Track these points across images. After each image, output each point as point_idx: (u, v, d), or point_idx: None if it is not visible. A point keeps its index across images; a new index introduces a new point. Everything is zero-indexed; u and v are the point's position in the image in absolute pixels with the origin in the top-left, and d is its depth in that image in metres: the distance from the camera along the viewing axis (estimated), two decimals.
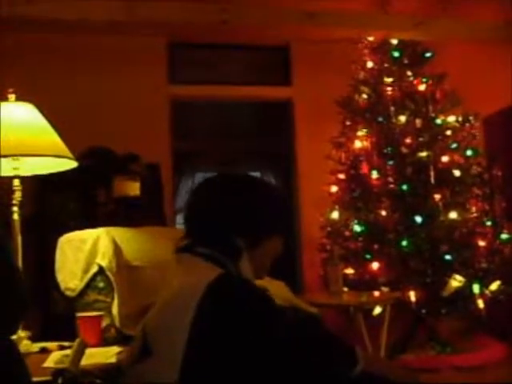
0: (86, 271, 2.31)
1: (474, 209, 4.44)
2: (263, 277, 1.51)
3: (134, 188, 4.22)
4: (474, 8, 4.74)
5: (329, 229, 4.56)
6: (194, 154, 5.52)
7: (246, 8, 4.27)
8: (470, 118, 4.57)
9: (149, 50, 5.02)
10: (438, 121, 4.58)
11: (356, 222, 4.43)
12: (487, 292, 4.28)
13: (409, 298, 4.14)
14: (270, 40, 5.34)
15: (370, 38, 4.84)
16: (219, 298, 1.22)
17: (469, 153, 4.53)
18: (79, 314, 2.14)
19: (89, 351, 1.63)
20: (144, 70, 4.95)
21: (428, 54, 4.83)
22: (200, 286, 1.22)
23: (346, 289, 4.16)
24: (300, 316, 3.07)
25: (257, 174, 5.49)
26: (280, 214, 1.49)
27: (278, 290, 3.64)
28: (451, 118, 4.60)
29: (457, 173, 4.44)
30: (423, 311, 4.25)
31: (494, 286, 4.28)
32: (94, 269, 2.30)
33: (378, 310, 4.03)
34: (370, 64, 4.85)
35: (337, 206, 4.59)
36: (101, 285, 2.30)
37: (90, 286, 2.31)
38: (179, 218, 5.07)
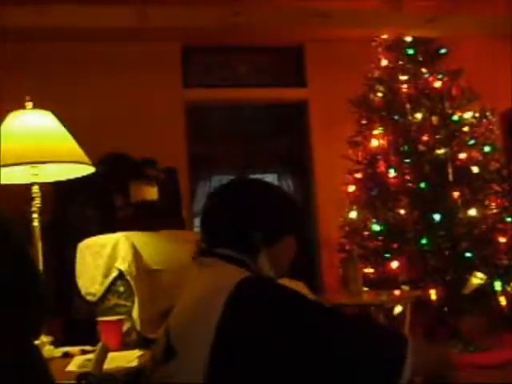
0: (106, 276, 2.32)
1: (493, 205, 4.41)
2: (282, 276, 1.51)
3: (151, 192, 4.24)
4: (486, 3, 4.70)
5: (347, 228, 4.54)
6: (210, 158, 5.52)
7: (258, 10, 4.28)
8: (487, 113, 4.54)
9: (163, 56, 5.04)
10: (455, 117, 4.56)
11: (374, 221, 4.42)
12: (509, 289, 4.24)
13: (429, 296, 4.12)
14: (283, 41, 5.33)
15: (384, 36, 4.82)
16: (250, 298, 1.21)
17: (487, 149, 4.50)
18: (100, 319, 2.15)
19: (111, 355, 1.64)
20: (159, 75, 4.97)
21: (442, 51, 4.80)
22: (227, 287, 1.21)
23: (365, 288, 4.15)
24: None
25: (274, 176, 5.47)
26: (295, 213, 1.51)
27: (296, 289, 3.64)
28: (468, 115, 4.58)
29: (475, 169, 4.42)
30: (445, 309, 4.22)
31: None
32: (114, 273, 2.31)
33: (398, 308, 4.01)
34: (384, 62, 4.83)
35: (355, 206, 4.57)
36: (121, 289, 2.31)
37: (110, 290, 2.32)
38: (197, 222, 5.08)
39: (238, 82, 5.41)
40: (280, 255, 1.44)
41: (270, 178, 5.40)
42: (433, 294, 4.12)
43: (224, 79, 5.41)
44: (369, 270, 4.32)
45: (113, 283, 2.32)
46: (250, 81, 5.45)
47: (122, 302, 2.30)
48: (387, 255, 4.30)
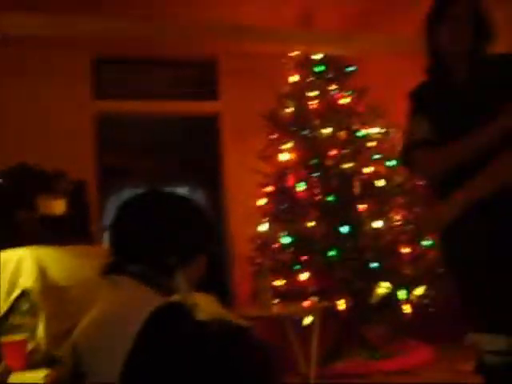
0: (9, 293, 2.25)
1: (397, 217, 4.58)
2: (191, 292, 1.51)
3: (59, 206, 4.11)
4: (395, 22, 4.90)
5: (258, 241, 4.58)
6: (121, 171, 5.44)
7: (171, 22, 4.28)
8: (392, 129, 4.72)
9: (73, 66, 4.94)
10: (361, 133, 4.71)
11: (284, 233, 4.48)
12: (413, 298, 4.41)
13: (337, 306, 4.21)
14: (196, 54, 5.35)
15: (295, 53, 4.93)
16: (165, 332, 1.20)
17: (391, 163, 4.67)
18: (3, 340, 2.07)
19: (15, 376, 1.59)
20: (69, 85, 4.86)
21: (351, 68, 4.96)
22: (140, 313, 1.20)
23: (276, 300, 4.21)
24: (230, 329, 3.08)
25: (185, 189, 5.46)
26: (210, 231, 1.50)
27: (207, 304, 3.63)
28: (373, 130, 4.75)
29: (380, 183, 4.58)
30: (352, 318, 4.33)
31: (419, 291, 4.42)
32: (18, 291, 2.24)
33: (308, 319, 4.09)
34: (294, 78, 4.94)
35: (265, 219, 4.63)
36: (25, 307, 2.24)
37: (13, 308, 2.24)
38: (106, 236, 4.97)
39: (151, 95, 5.37)
40: (193, 274, 1.44)
41: (182, 191, 5.38)
42: (341, 304, 4.22)
43: (137, 91, 5.35)
44: (279, 283, 4.37)
45: (16, 300, 2.24)
46: (163, 93, 5.42)
47: (27, 321, 2.23)
48: (297, 267, 4.37)
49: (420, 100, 2.08)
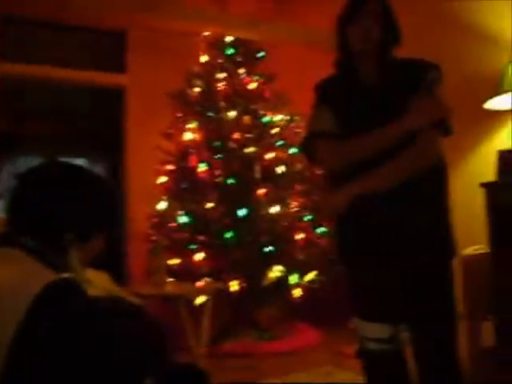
0: None
1: (294, 204, 4.69)
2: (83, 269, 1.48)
3: None
4: (308, 13, 4.97)
5: (155, 219, 4.56)
6: (20, 137, 5.21)
7: None
8: (296, 117, 4.82)
9: None
10: (266, 119, 4.78)
11: (182, 213, 4.49)
12: (303, 282, 4.55)
13: (230, 287, 4.28)
14: (107, 24, 5.17)
15: (207, 33, 4.90)
16: (56, 308, 1.16)
17: (292, 150, 4.77)
18: None
19: None
20: None
21: (260, 54, 5.01)
22: (31, 287, 1.15)
23: (170, 279, 4.23)
24: (120, 307, 3.06)
25: (85, 161, 5.32)
26: (114, 213, 1.46)
27: (100, 280, 3.59)
28: (278, 117, 4.82)
29: (281, 169, 4.67)
30: (244, 300, 4.42)
31: (310, 276, 4.57)
32: None
33: (201, 299, 4.13)
34: (204, 58, 4.92)
35: (164, 197, 4.61)
36: None
37: None
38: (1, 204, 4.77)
39: (57, 61, 5.14)
40: (90, 252, 1.41)
41: (81, 162, 5.25)
42: (234, 286, 4.29)
43: (43, 56, 5.11)
44: (174, 262, 4.38)
45: None
46: (70, 60, 5.22)
47: None
48: (192, 247, 4.39)
49: (325, 92, 2.12)
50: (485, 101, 3.57)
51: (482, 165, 3.70)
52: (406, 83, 1.96)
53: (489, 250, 3.25)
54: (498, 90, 3.46)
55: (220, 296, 4.21)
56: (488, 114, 3.68)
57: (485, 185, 3.33)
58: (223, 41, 4.92)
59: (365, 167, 1.92)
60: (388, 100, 1.97)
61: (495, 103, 3.57)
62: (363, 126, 1.94)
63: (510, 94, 3.43)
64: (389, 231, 1.93)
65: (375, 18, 1.97)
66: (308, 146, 2.12)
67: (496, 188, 3.37)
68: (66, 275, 1.26)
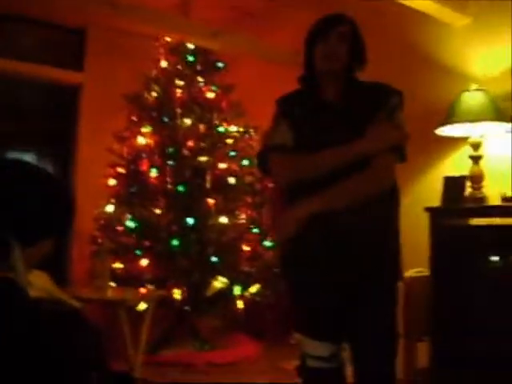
0: None
1: (243, 215, 4.71)
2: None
3: None
4: (270, 29, 5.02)
5: (102, 222, 4.49)
6: None
7: None
8: (251, 130, 4.85)
9: None
10: (221, 129, 4.78)
11: (130, 217, 4.44)
12: (247, 294, 4.56)
13: (173, 295, 4.25)
14: (67, 21, 5.09)
15: (168, 39, 4.89)
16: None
17: (245, 162, 4.79)
18: None
19: None
20: None
21: (220, 64, 5.02)
22: None
23: (113, 284, 4.17)
24: (58, 309, 2.99)
25: (33, 157, 5.19)
26: (64, 214, 1.39)
27: (39, 280, 3.51)
28: (233, 128, 4.84)
29: (232, 180, 4.67)
30: (186, 309, 4.39)
31: (254, 288, 4.58)
32: None
33: (142, 306, 4.09)
34: (164, 64, 4.90)
35: (113, 200, 4.54)
36: None
37: None
38: None
39: (13, 54, 5.01)
40: (36, 255, 1.36)
41: (29, 158, 5.13)
42: (177, 294, 4.26)
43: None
44: (118, 266, 4.33)
45: None
46: (27, 55, 5.10)
47: None
48: (138, 252, 4.35)
49: (286, 107, 2.13)
50: (436, 128, 3.69)
51: (430, 190, 3.81)
52: (368, 105, 1.99)
53: (429, 273, 3.34)
54: (448, 119, 3.58)
55: (162, 304, 4.18)
56: (438, 140, 3.79)
57: (429, 209, 3.43)
58: (184, 47, 4.91)
59: (319, 184, 1.93)
60: (348, 120, 2.00)
61: (446, 130, 3.69)
62: (321, 144, 1.96)
63: (459, 123, 3.55)
64: (336, 250, 1.94)
65: (344, 39, 2.00)
66: (264, 159, 2.13)
67: (439, 213, 3.47)
68: (6, 275, 1.23)
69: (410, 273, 3.43)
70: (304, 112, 2.08)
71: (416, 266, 3.49)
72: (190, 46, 4.90)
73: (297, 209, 1.96)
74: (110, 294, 3.92)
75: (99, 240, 4.41)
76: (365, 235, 1.94)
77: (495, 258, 3.15)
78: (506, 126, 3.53)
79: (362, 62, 2.08)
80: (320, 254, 1.96)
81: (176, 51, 4.94)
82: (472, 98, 3.54)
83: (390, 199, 2.02)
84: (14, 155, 4.86)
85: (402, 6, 3.83)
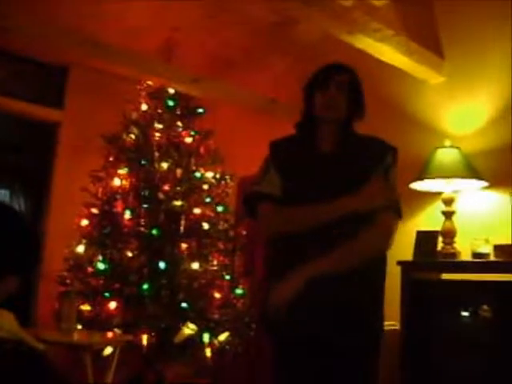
0: None
1: (215, 262, 4.67)
2: None
3: None
4: (249, 77, 5.11)
5: (71, 262, 4.41)
6: None
7: (29, 21, 4.07)
8: (227, 176, 4.87)
9: None
10: (198, 174, 4.79)
11: (101, 259, 4.38)
12: (216, 342, 4.49)
13: (141, 340, 4.16)
14: (49, 58, 5.11)
15: (150, 82, 4.93)
16: None
17: (220, 209, 4.79)
18: None
19: None
20: None
21: (200, 110, 5.07)
22: None
23: (79, 326, 4.07)
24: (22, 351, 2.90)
25: (6, 193, 5.13)
26: (27, 255, 1.37)
27: (5, 321, 3.42)
28: (210, 174, 4.85)
29: (206, 226, 4.65)
30: (153, 355, 4.30)
31: (223, 336, 4.52)
32: None
33: (108, 350, 3.99)
34: (144, 107, 4.93)
35: (84, 240, 4.48)
36: None
37: None
38: None
39: None
40: (1, 293, 1.32)
41: (2, 194, 5.07)
42: (144, 339, 4.17)
43: None
44: (86, 308, 4.24)
45: None
46: (5, 88, 5.09)
47: None
48: (107, 295, 4.27)
49: (278, 153, 2.12)
50: (410, 182, 3.74)
51: (402, 244, 3.83)
52: (363, 159, 1.99)
53: (399, 327, 3.33)
54: (422, 175, 3.64)
55: (129, 348, 4.08)
56: (412, 195, 3.84)
57: (401, 263, 3.45)
58: (165, 92, 4.95)
59: (306, 236, 1.91)
60: (341, 171, 1.98)
61: (419, 185, 3.75)
62: (310, 195, 1.95)
63: (433, 179, 3.62)
64: (323, 310, 1.89)
65: (342, 88, 2.02)
66: (250, 204, 2.11)
67: (411, 267, 3.49)
68: None
69: None
70: (296, 160, 2.07)
71: (387, 319, 3.48)
72: (171, 90, 4.95)
73: (292, 278, 1.88)
74: (75, 337, 3.82)
75: (68, 281, 4.33)
76: (352, 295, 1.90)
77: (466, 314, 3.17)
78: (479, 182, 3.61)
79: (361, 112, 2.09)
80: (308, 314, 1.90)
81: (156, 95, 4.97)
82: (446, 155, 3.63)
83: (379, 263, 2.01)
84: None
85: (378, 60, 3.94)
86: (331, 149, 2.04)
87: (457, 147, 3.69)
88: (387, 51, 3.80)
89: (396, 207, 1.98)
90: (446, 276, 3.62)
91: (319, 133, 2.07)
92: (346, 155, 2.02)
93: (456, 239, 3.61)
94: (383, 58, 3.91)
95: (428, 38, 4.17)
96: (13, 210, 1.34)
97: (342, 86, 2.02)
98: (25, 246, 1.35)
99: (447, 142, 3.74)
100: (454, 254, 3.52)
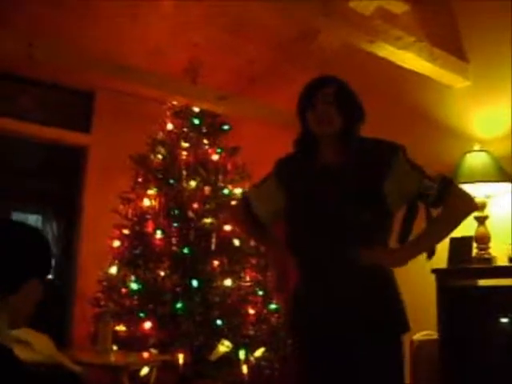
0: None
1: (248, 278, 4.66)
2: (21, 326, 1.40)
3: None
4: (274, 93, 5.13)
5: (105, 283, 4.45)
6: None
7: (55, 48, 4.16)
8: None
9: None
10: (226, 191, 4.80)
11: (134, 279, 4.40)
12: (252, 358, 4.46)
13: (177, 359, 4.16)
14: (75, 83, 5.21)
15: (175, 102, 4.98)
16: None
17: None
18: None
19: None
20: None
21: (225, 127, 5.09)
22: None
23: (115, 347, 4.09)
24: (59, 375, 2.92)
25: (39, 218, 5.23)
26: (39, 254, 1.38)
27: (40, 344, 3.45)
28: (238, 190, 4.86)
29: (236, 242, 4.66)
30: (189, 374, 4.29)
31: (259, 352, 4.49)
32: None
33: (145, 370, 4.00)
34: (170, 126, 4.97)
35: (116, 262, 4.52)
36: None
37: None
38: None
39: (21, 115, 5.10)
40: (22, 303, 1.31)
41: (34, 219, 5.16)
42: (180, 358, 4.16)
43: (5, 109, 5.07)
44: (121, 328, 4.26)
45: None
46: (34, 116, 5.19)
47: None
48: (141, 315, 4.28)
49: (282, 168, 2.15)
50: None
51: (437, 251, 3.77)
52: (369, 167, 1.96)
53: (437, 336, 3.27)
54: (453, 180, 3.59)
55: (166, 367, 4.08)
56: None
57: (436, 271, 3.40)
58: (190, 111, 4.99)
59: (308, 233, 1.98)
60: (345, 181, 1.97)
61: None
62: (313, 207, 1.97)
63: (464, 184, 3.56)
64: (335, 309, 1.92)
65: (329, 100, 1.99)
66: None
67: (446, 274, 3.43)
68: None
69: (417, 336, 3.36)
70: (299, 174, 2.08)
71: (424, 328, 3.43)
72: (195, 109, 4.99)
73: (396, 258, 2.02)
74: (112, 358, 3.83)
75: (102, 302, 4.36)
76: (362, 301, 1.92)
77: (505, 320, 3.10)
78: (510, 185, 3.55)
79: (359, 117, 2.05)
80: (322, 314, 1.94)
81: (182, 114, 5.01)
82: (476, 159, 3.57)
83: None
84: (18, 216, 4.88)
85: (402, 68, 3.92)
86: (333, 161, 2.03)
87: (486, 151, 3.64)
88: (410, 58, 3.78)
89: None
90: (482, 282, 3.56)
91: (320, 146, 2.06)
92: (350, 165, 1.99)
93: (491, 244, 3.54)
94: (406, 66, 3.89)
95: (450, 43, 4.14)
96: (16, 221, 1.36)
97: (329, 99, 1.99)
98: (32, 248, 1.35)
99: (476, 146, 3.69)
100: (490, 260, 3.46)
